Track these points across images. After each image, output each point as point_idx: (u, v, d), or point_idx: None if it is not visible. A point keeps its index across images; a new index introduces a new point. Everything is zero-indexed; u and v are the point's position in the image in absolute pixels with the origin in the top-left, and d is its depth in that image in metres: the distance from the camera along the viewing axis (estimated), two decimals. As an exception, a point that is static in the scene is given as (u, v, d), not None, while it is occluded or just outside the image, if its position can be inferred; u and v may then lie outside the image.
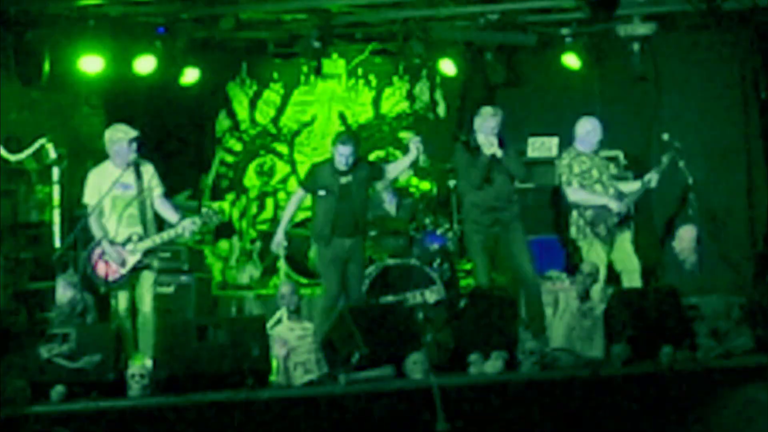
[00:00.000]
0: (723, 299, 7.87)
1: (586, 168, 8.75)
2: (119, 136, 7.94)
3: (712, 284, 8.77)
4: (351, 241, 8.49)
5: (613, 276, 8.77)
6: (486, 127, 8.48)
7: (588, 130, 8.80)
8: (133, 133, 7.95)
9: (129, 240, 7.83)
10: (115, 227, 7.87)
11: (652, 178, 8.77)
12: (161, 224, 8.07)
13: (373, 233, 9.55)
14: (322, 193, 8.54)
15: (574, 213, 8.75)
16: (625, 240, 8.75)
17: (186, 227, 7.90)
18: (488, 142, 8.43)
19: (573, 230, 8.76)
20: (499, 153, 8.44)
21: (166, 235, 7.93)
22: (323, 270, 8.60)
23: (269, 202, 11.47)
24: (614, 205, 8.64)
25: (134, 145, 7.91)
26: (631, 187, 8.89)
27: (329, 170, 8.57)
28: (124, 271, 7.82)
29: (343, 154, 8.42)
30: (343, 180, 8.49)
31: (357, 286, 8.64)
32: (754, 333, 7.63)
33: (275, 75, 11.81)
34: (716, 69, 10.68)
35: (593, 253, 8.60)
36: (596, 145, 8.81)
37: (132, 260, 7.84)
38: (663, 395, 7.02)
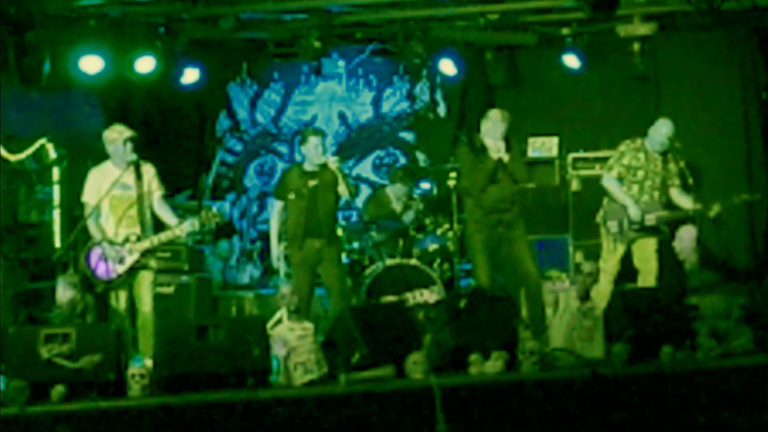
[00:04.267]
0: (723, 299, 7.86)
1: (637, 165, 8.76)
2: (114, 137, 7.91)
3: (712, 284, 8.77)
4: (321, 242, 8.51)
5: (622, 273, 8.80)
6: (495, 131, 8.48)
7: (661, 131, 8.76)
8: (128, 133, 7.91)
9: (127, 240, 7.83)
10: (113, 228, 7.86)
11: (714, 209, 8.65)
12: (161, 226, 8.06)
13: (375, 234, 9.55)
14: (291, 196, 8.57)
15: (604, 200, 8.85)
16: (648, 244, 8.76)
17: (184, 228, 7.89)
18: (496, 147, 8.44)
19: (598, 216, 8.87)
20: (506, 158, 8.45)
21: (164, 236, 7.92)
22: (293, 272, 8.66)
23: (269, 202, 11.47)
24: (633, 211, 8.65)
25: (130, 145, 7.87)
26: (686, 203, 8.77)
27: (297, 173, 8.64)
28: (122, 270, 7.82)
29: (317, 145, 8.50)
30: (311, 182, 8.53)
31: (339, 285, 8.63)
32: (754, 333, 7.63)
33: (275, 75, 11.83)
34: (716, 69, 10.69)
35: (608, 245, 8.73)
36: (661, 146, 8.75)
37: (130, 260, 7.84)
38: (663, 395, 7.01)
